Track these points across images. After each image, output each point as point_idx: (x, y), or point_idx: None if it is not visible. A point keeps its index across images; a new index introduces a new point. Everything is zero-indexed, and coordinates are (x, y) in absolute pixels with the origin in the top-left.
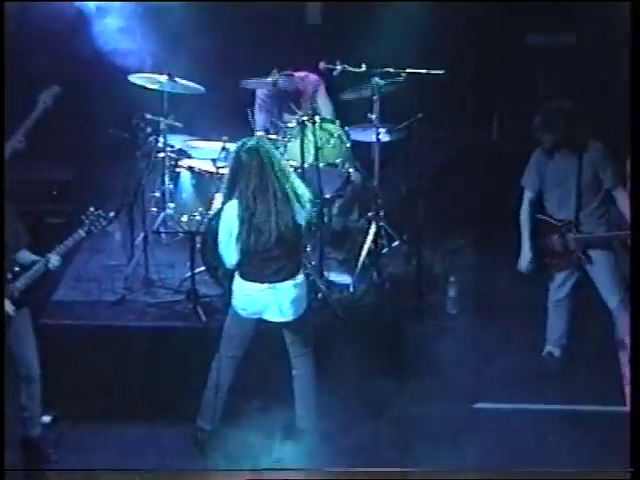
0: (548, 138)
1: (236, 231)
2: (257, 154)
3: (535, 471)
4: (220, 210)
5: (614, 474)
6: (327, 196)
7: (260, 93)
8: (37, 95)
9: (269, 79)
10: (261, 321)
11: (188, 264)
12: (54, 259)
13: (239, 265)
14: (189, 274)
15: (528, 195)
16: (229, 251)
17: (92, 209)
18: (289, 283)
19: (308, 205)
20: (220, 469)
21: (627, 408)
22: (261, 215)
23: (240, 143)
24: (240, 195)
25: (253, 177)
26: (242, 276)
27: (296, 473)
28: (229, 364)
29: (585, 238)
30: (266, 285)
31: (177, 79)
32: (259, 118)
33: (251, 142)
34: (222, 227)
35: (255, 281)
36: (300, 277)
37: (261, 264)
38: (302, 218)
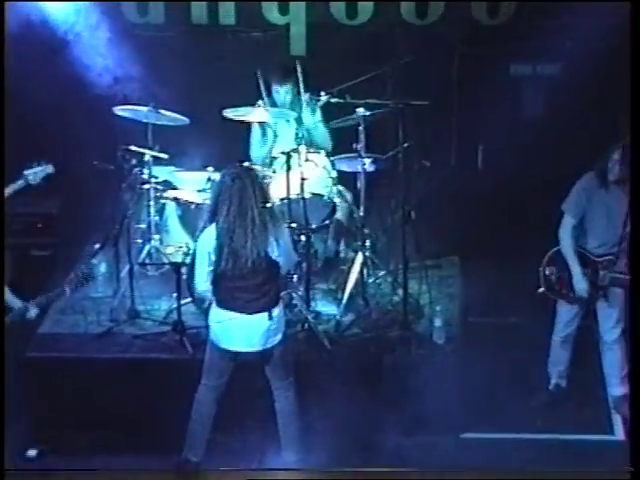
0: (619, 171)
1: (212, 255)
2: (240, 178)
3: (535, 471)
4: (199, 235)
5: (614, 474)
6: (313, 226)
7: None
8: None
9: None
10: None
11: (174, 295)
12: (33, 311)
13: (214, 292)
14: (175, 305)
15: (570, 221)
16: (202, 276)
17: (82, 267)
18: (262, 315)
19: (284, 238)
20: (220, 469)
21: (617, 437)
22: (238, 240)
23: (226, 169)
24: (219, 219)
25: (234, 200)
26: (217, 303)
27: (297, 473)
28: (211, 394)
29: (621, 279)
30: (238, 314)
31: (162, 110)
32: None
33: (236, 168)
34: (199, 251)
35: (228, 309)
36: (276, 311)
37: (235, 292)
38: (279, 249)
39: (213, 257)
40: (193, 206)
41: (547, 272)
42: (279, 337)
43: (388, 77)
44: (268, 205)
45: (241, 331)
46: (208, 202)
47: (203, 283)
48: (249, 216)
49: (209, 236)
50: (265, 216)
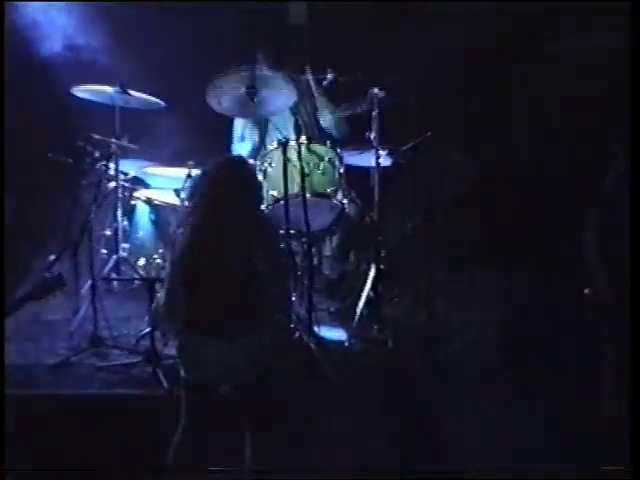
0: None
1: (180, 265)
2: (229, 167)
3: (534, 471)
4: (173, 236)
5: (614, 474)
6: (316, 233)
7: None
8: None
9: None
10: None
11: (147, 318)
12: None
13: (185, 310)
14: (148, 330)
15: None
16: (173, 289)
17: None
18: (242, 341)
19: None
20: (220, 469)
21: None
22: (213, 243)
23: (212, 161)
24: (194, 220)
25: (216, 189)
26: (185, 326)
27: (297, 474)
28: (190, 433)
29: None
30: (208, 338)
31: (131, 92)
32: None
33: (225, 159)
34: (171, 258)
35: (198, 333)
36: (256, 338)
37: (207, 311)
38: (266, 261)
39: (181, 267)
40: (170, 209)
41: None
42: (257, 371)
43: (408, 48)
44: (262, 207)
45: (212, 359)
46: (188, 193)
47: (175, 298)
48: (231, 217)
49: (182, 239)
50: (251, 218)
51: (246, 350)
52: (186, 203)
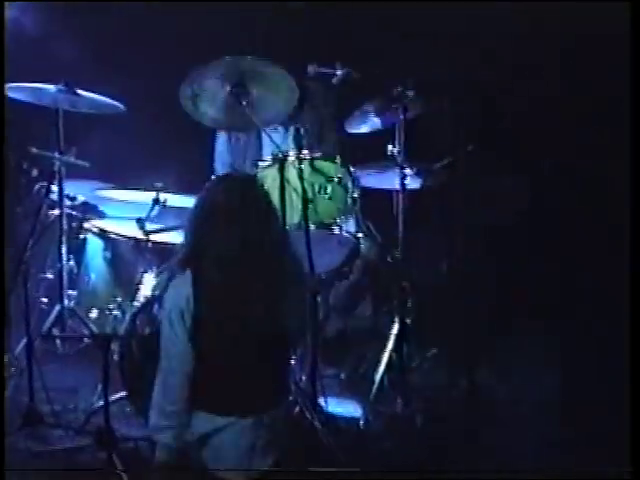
0: None
1: (188, 319)
2: (242, 193)
3: (534, 471)
4: (162, 290)
5: (614, 474)
6: (323, 276)
7: None
8: None
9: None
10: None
11: (99, 387)
12: None
13: (197, 386)
14: (101, 403)
15: None
16: (183, 351)
17: None
18: (266, 419)
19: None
20: (220, 469)
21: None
22: (234, 294)
23: (214, 180)
24: (204, 264)
25: (231, 227)
26: (196, 405)
27: (298, 474)
28: None
29: None
30: (233, 419)
31: (80, 92)
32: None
33: (233, 176)
34: (168, 314)
35: (216, 412)
36: (281, 412)
37: (225, 381)
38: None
39: (192, 327)
40: (131, 244)
41: None
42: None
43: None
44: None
45: (230, 445)
46: (185, 234)
47: (188, 362)
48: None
49: (183, 290)
50: (278, 262)
51: (269, 429)
52: (182, 235)
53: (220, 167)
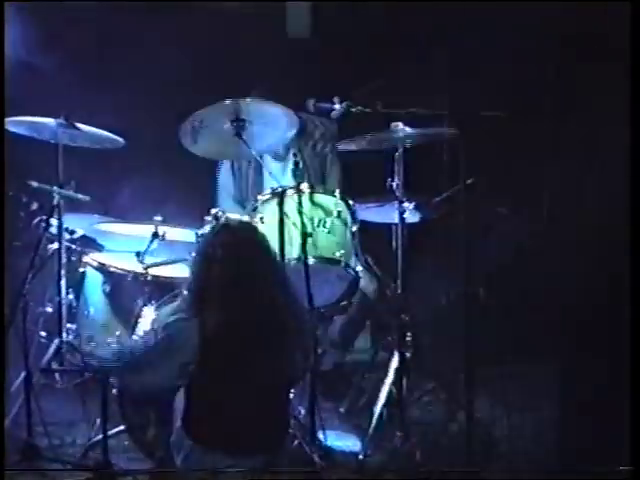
0: None
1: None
2: (239, 244)
3: (534, 470)
4: (169, 330)
5: (614, 474)
6: (322, 310)
7: None
8: None
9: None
10: None
11: (98, 421)
12: None
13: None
14: (99, 437)
15: None
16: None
17: None
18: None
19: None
20: (220, 469)
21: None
22: (239, 341)
23: (216, 226)
24: (205, 305)
25: (231, 277)
26: (195, 437)
27: (298, 474)
28: None
29: None
30: (231, 457)
31: (80, 125)
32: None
33: (231, 220)
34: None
35: (216, 449)
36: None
37: (232, 420)
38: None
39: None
40: (130, 278)
41: None
42: None
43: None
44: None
45: None
46: (189, 279)
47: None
48: (261, 298)
49: (191, 337)
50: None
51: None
52: (189, 278)
53: (224, 198)
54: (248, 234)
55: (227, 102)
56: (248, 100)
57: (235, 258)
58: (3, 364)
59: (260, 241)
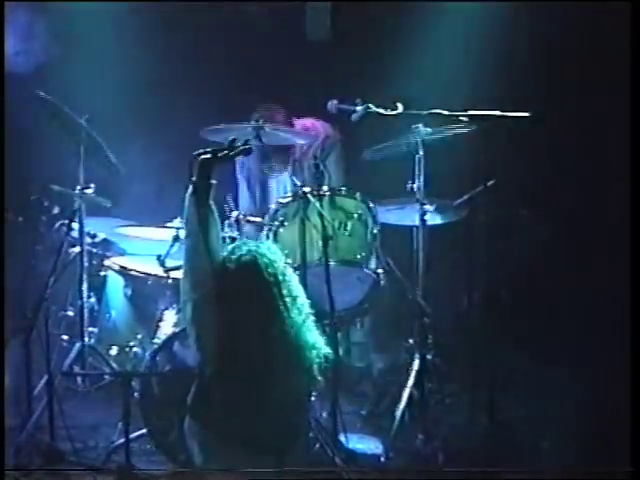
0: None
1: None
2: (253, 268)
3: (534, 470)
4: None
5: (614, 474)
6: (342, 313)
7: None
8: None
9: (249, 124)
10: None
11: (120, 425)
12: None
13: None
14: (121, 441)
15: None
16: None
17: None
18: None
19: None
20: (220, 469)
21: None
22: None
23: (226, 252)
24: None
25: (244, 304)
26: (220, 435)
27: (299, 473)
28: None
29: None
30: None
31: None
32: (243, 194)
33: (244, 249)
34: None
35: (246, 446)
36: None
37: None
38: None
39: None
40: (151, 281)
41: None
42: None
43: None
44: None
45: None
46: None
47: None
48: (271, 333)
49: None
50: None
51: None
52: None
53: (243, 202)
54: (266, 256)
55: (248, 128)
56: (267, 129)
57: (247, 280)
58: (3, 367)
59: (276, 266)
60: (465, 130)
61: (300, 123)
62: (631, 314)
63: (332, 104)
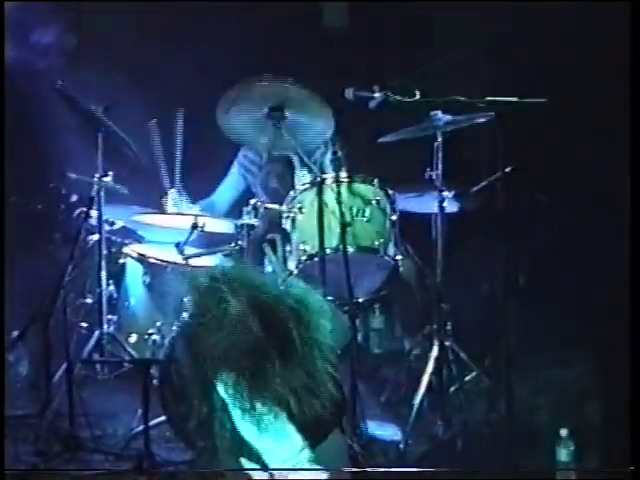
0: None
1: None
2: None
3: (534, 470)
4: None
5: (614, 474)
6: (361, 300)
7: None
8: None
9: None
10: None
11: (139, 412)
12: None
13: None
14: (140, 428)
15: None
16: None
17: None
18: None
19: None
20: (221, 469)
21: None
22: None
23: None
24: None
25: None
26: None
27: (299, 473)
28: None
29: None
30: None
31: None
32: (235, 181)
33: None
34: None
35: None
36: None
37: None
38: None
39: None
40: (169, 269)
41: None
42: None
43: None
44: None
45: None
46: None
47: None
48: None
49: None
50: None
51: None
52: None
53: (223, 193)
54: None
55: (267, 81)
56: (289, 81)
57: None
58: (3, 367)
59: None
60: (483, 119)
61: None
62: (631, 312)
63: (349, 91)
